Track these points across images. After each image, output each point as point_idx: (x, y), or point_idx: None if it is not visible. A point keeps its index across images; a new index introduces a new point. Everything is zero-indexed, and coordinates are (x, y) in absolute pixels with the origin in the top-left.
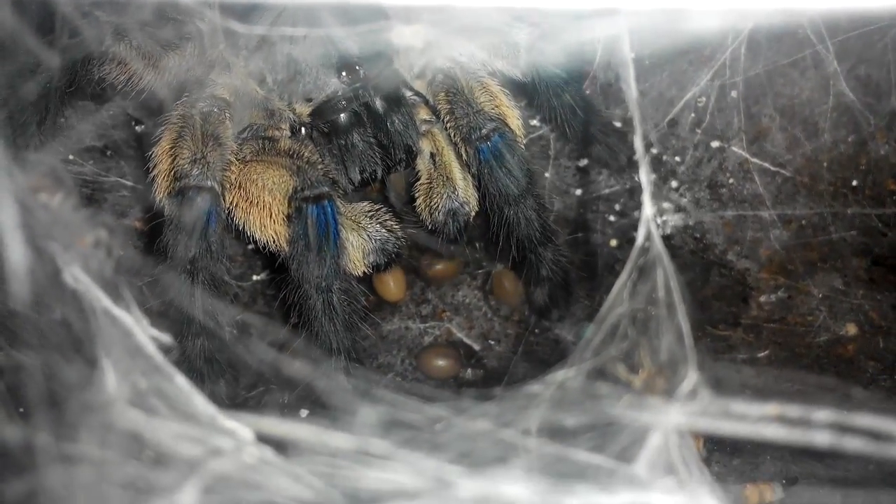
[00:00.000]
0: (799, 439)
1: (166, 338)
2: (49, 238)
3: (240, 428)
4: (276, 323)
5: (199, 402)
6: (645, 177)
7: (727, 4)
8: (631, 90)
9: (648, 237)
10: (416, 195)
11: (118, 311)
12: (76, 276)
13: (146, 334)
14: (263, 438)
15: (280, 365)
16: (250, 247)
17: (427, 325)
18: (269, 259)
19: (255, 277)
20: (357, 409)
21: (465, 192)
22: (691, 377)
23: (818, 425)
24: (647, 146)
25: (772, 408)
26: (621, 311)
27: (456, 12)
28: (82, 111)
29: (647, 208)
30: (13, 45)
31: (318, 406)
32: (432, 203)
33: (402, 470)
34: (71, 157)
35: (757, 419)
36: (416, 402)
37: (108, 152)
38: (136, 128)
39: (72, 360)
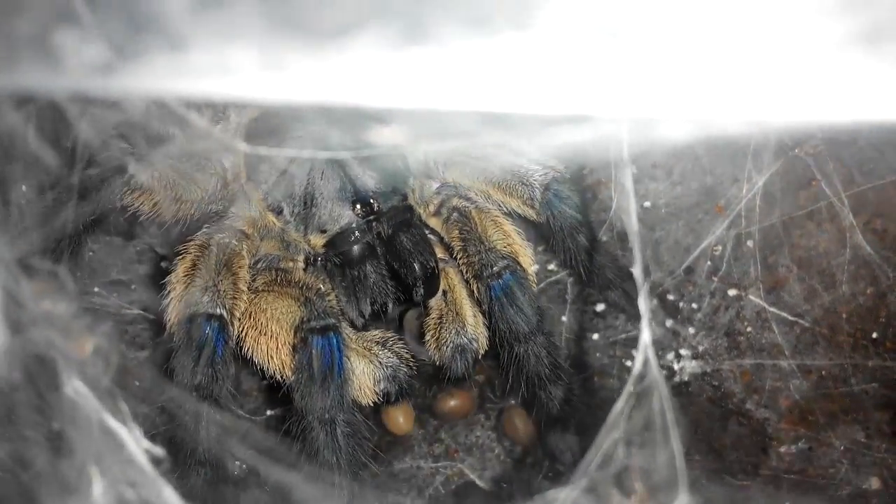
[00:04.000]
0: None
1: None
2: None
3: None
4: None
5: None
6: (644, 303)
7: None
8: (631, 220)
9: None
10: (426, 330)
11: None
12: (76, 389)
13: (139, 446)
14: None
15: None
16: (264, 382)
17: (439, 464)
18: (285, 394)
19: (269, 412)
20: None
21: (474, 329)
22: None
23: None
24: (646, 272)
25: None
26: (616, 436)
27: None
28: (109, 246)
29: (646, 334)
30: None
31: None
32: (440, 338)
33: None
34: (96, 288)
35: None
36: None
37: (133, 286)
38: (162, 264)
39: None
